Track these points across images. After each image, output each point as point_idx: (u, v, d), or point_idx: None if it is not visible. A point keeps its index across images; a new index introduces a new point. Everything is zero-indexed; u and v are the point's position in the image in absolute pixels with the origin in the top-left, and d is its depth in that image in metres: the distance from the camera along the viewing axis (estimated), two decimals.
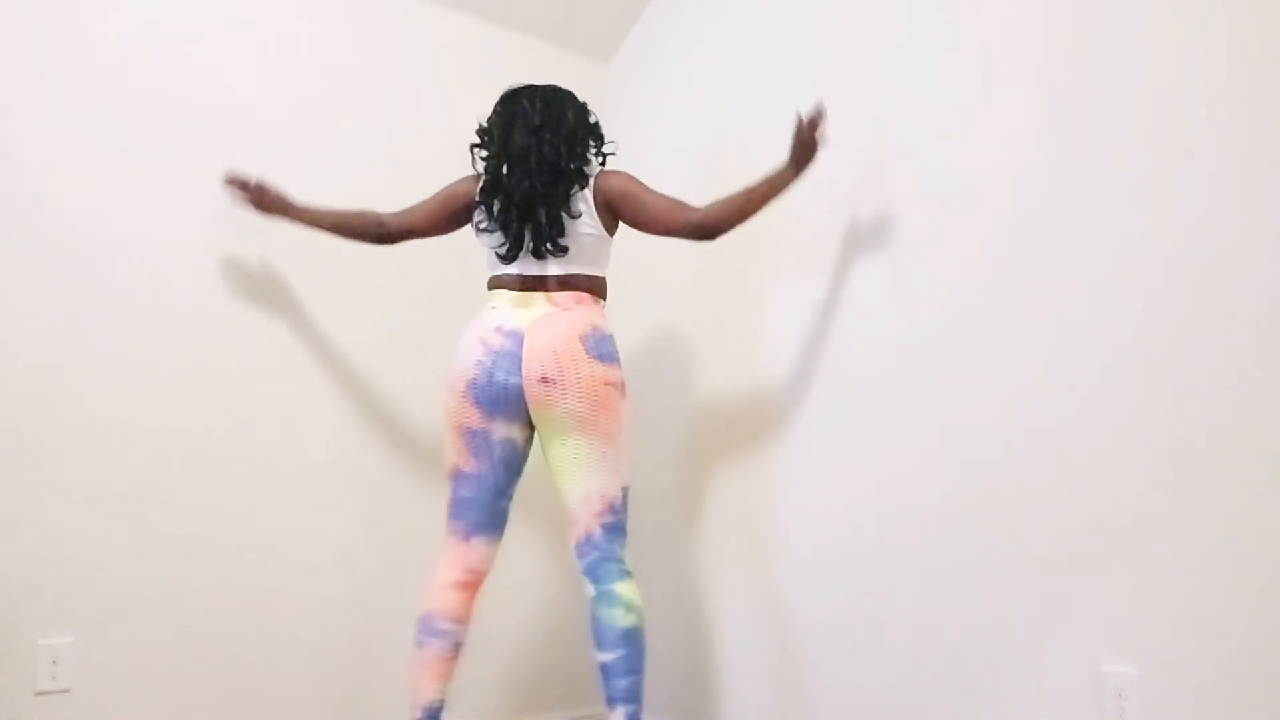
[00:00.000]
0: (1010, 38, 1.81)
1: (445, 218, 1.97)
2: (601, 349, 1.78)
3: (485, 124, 1.96)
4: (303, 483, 2.19)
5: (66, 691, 1.84)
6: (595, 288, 1.88)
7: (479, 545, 1.81)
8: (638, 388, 2.66)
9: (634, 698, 1.69)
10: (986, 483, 1.77)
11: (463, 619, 1.78)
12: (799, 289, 2.19)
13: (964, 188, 1.86)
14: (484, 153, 1.94)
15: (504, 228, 1.84)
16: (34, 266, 1.89)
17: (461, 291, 2.27)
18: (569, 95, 1.95)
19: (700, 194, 2.50)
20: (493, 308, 1.84)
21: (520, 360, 1.75)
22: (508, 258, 1.84)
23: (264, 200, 2.01)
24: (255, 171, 2.08)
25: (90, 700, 1.86)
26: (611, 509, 1.78)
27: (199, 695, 2.00)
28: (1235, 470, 1.46)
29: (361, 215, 2.00)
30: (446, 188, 1.98)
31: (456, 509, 1.82)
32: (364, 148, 2.37)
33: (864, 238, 2.05)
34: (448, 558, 1.81)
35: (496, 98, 1.98)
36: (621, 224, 1.91)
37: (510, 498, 1.86)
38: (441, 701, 1.75)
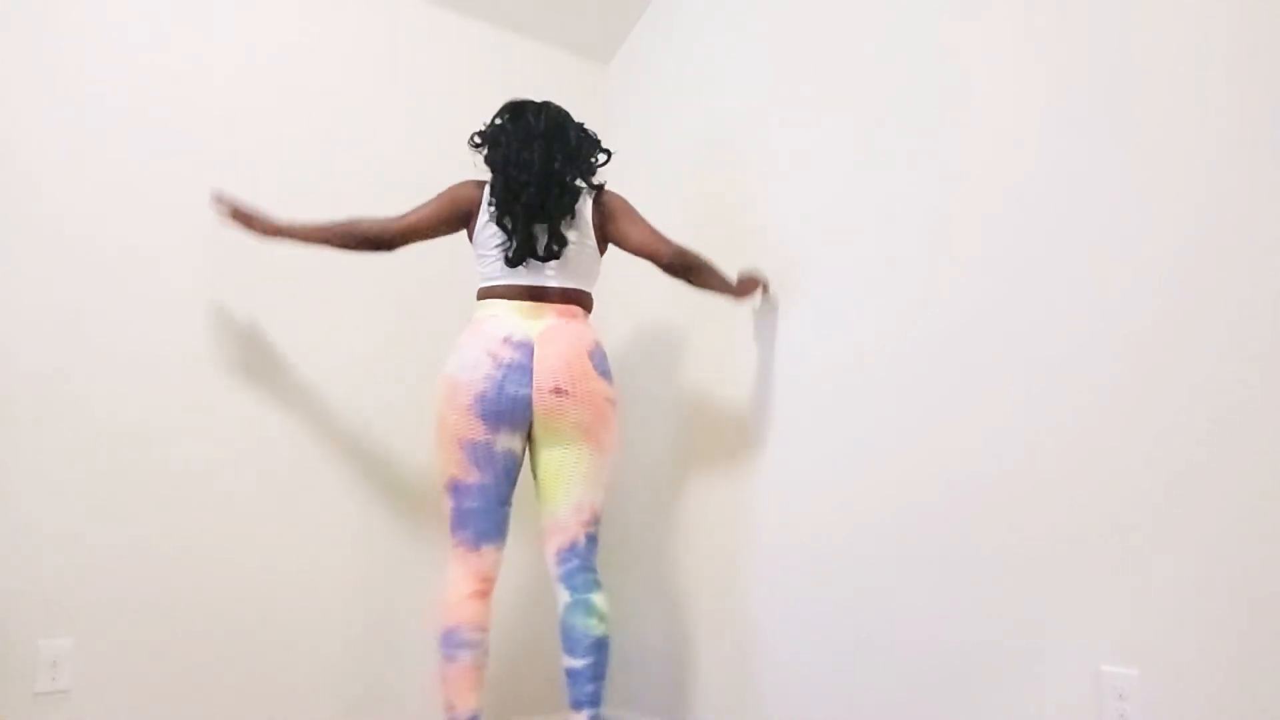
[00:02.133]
0: (1010, 40, 1.81)
1: (446, 220, 1.95)
2: (603, 366, 1.85)
3: (489, 131, 1.95)
4: (302, 486, 2.19)
5: (65, 693, 1.84)
6: (587, 303, 1.94)
7: (489, 553, 1.82)
8: (622, 391, 2.66)
9: (599, 702, 1.80)
10: (986, 485, 1.77)
11: (486, 627, 1.80)
12: (786, 292, 2.19)
13: (960, 190, 1.86)
14: (486, 157, 1.94)
15: (510, 234, 1.85)
16: (34, 270, 1.90)
17: (459, 295, 2.27)
18: (568, 112, 1.98)
19: (700, 194, 2.52)
20: (492, 316, 1.82)
21: (531, 371, 1.77)
22: (514, 261, 1.84)
23: (251, 223, 1.93)
24: (252, 184, 2.09)
25: (89, 701, 1.87)
26: (595, 519, 1.87)
27: (198, 697, 2.00)
28: (1235, 472, 1.45)
29: (356, 224, 1.93)
30: (448, 191, 1.96)
31: (462, 520, 1.81)
32: (363, 148, 2.37)
33: (863, 239, 2.05)
34: (460, 569, 1.80)
35: (497, 100, 1.99)
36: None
37: (511, 504, 1.87)
38: (480, 710, 1.78)
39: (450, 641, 1.75)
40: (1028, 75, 1.77)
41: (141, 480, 1.97)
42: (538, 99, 2.02)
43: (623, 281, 2.48)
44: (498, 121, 1.95)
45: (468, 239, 1.96)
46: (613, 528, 2.67)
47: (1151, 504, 1.54)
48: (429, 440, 2.28)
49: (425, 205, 1.96)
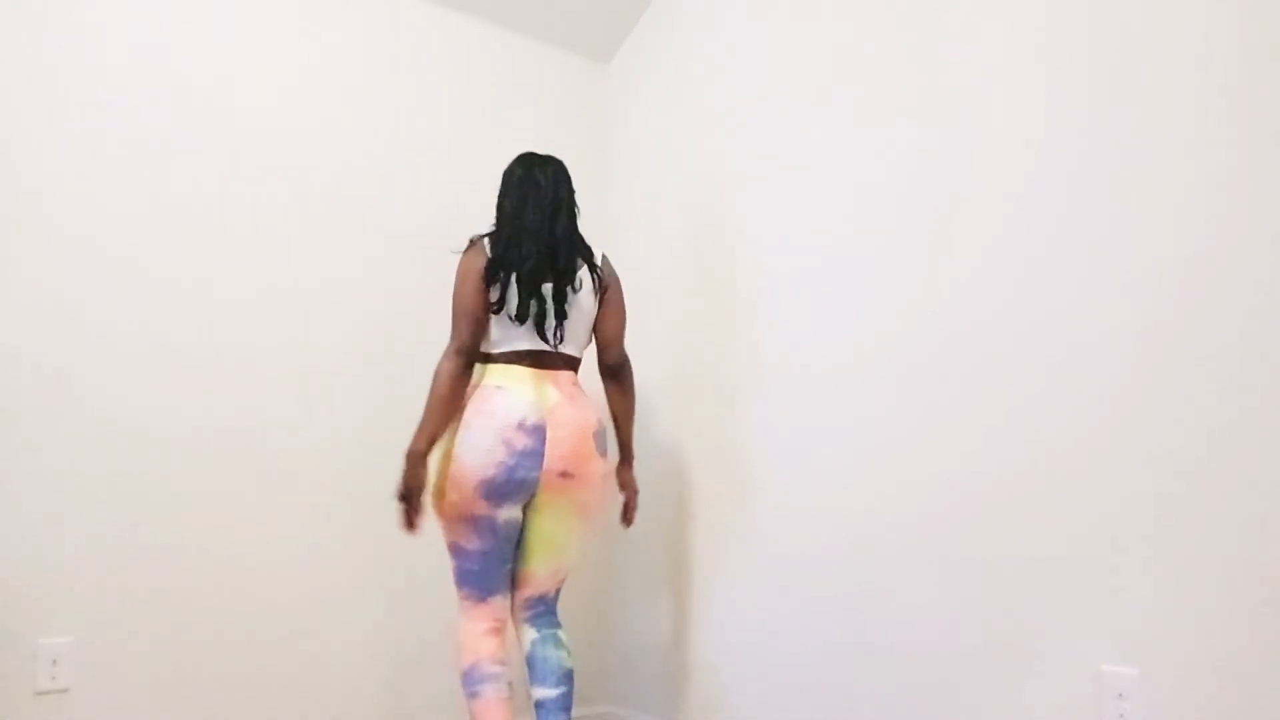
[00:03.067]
0: (1010, 41, 1.80)
1: (481, 309, 1.84)
2: (602, 444, 1.89)
3: (500, 194, 1.92)
4: (303, 484, 2.19)
5: (66, 691, 1.84)
6: (578, 367, 1.93)
7: (497, 600, 1.85)
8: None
9: None
10: (986, 484, 1.77)
11: (504, 660, 1.82)
12: (781, 290, 2.19)
13: (960, 190, 1.86)
14: (494, 223, 1.90)
15: (519, 301, 1.82)
16: (35, 269, 1.90)
17: None
18: (565, 167, 1.96)
19: (699, 193, 2.52)
20: (499, 389, 1.80)
21: (542, 457, 1.78)
22: (520, 330, 1.82)
23: (417, 487, 1.78)
24: (252, 183, 2.07)
25: (90, 700, 1.87)
26: (566, 577, 1.98)
27: (198, 695, 2.00)
28: (1235, 472, 1.45)
29: (458, 379, 1.81)
30: (458, 289, 1.84)
31: (465, 579, 1.83)
32: (362, 148, 2.37)
33: (862, 239, 2.05)
34: (472, 614, 1.83)
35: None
36: None
37: (512, 559, 1.89)
38: None
39: (473, 678, 1.77)
40: (1028, 75, 1.77)
41: (141, 479, 1.98)
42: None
43: (629, 278, 2.47)
44: (504, 180, 1.93)
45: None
46: (611, 526, 2.67)
47: (1152, 504, 1.54)
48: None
49: (457, 319, 1.84)
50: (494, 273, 1.82)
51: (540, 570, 1.90)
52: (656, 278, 2.60)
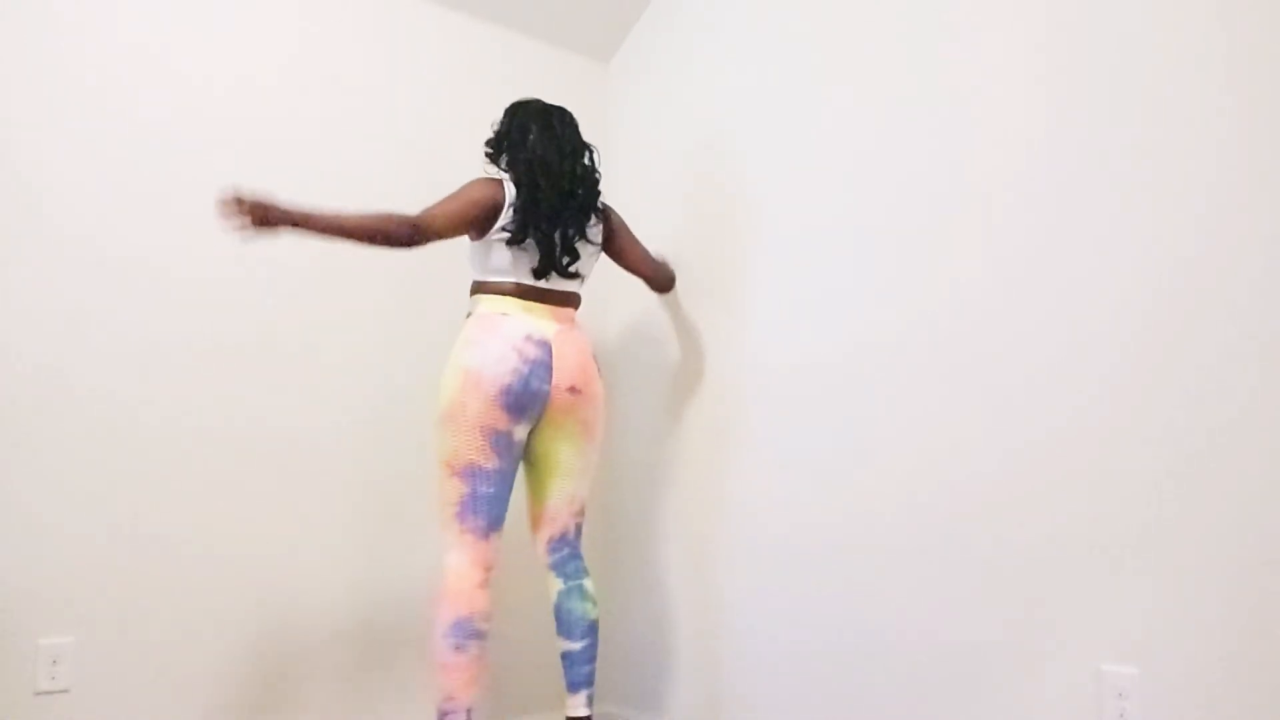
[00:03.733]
0: (1009, 42, 1.81)
1: (471, 223, 1.90)
2: (598, 369, 1.99)
3: (507, 131, 1.99)
4: (303, 483, 2.19)
5: (66, 691, 1.84)
6: (578, 304, 2.05)
7: (494, 540, 1.84)
8: (612, 384, 2.66)
9: (593, 681, 1.93)
10: (985, 483, 1.77)
11: (492, 617, 1.81)
12: (781, 287, 2.19)
13: (960, 189, 1.86)
14: (508, 159, 1.96)
15: (537, 239, 1.90)
16: (35, 267, 1.90)
17: (454, 291, 2.26)
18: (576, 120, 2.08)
19: (699, 193, 2.52)
20: (503, 314, 1.87)
21: (551, 369, 1.86)
22: (540, 271, 1.91)
23: (268, 216, 1.66)
24: (252, 182, 2.07)
25: (90, 700, 1.87)
26: (583, 509, 2.02)
27: (198, 695, 2.00)
28: (1235, 471, 1.45)
29: (389, 218, 1.80)
30: (468, 193, 1.90)
31: (477, 505, 1.81)
32: (362, 148, 2.37)
33: (861, 237, 2.05)
34: (468, 556, 1.79)
35: (497, 99, 2.01)
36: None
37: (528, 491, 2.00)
38: (476, 703, 1.79)
39: (462, 631, 1.74)
40: (1028, 74, 1.77)
41: (141, 478, 1.97)
42: (545, 100, 2.05)
43: (616, 274, 2.47)
44: (520, 123, 1.98)
45: (481, 237, 1.94)
46: (602, 523, 2.67)
47: (1152, 503, 1.54)
48: (427, 445, 2.29)
49: (448, 206, 1.88)
50: (515, 208, 1.88)
51: (558, 500, 1.94)
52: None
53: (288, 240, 2.20)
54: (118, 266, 1.99)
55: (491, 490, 1.82)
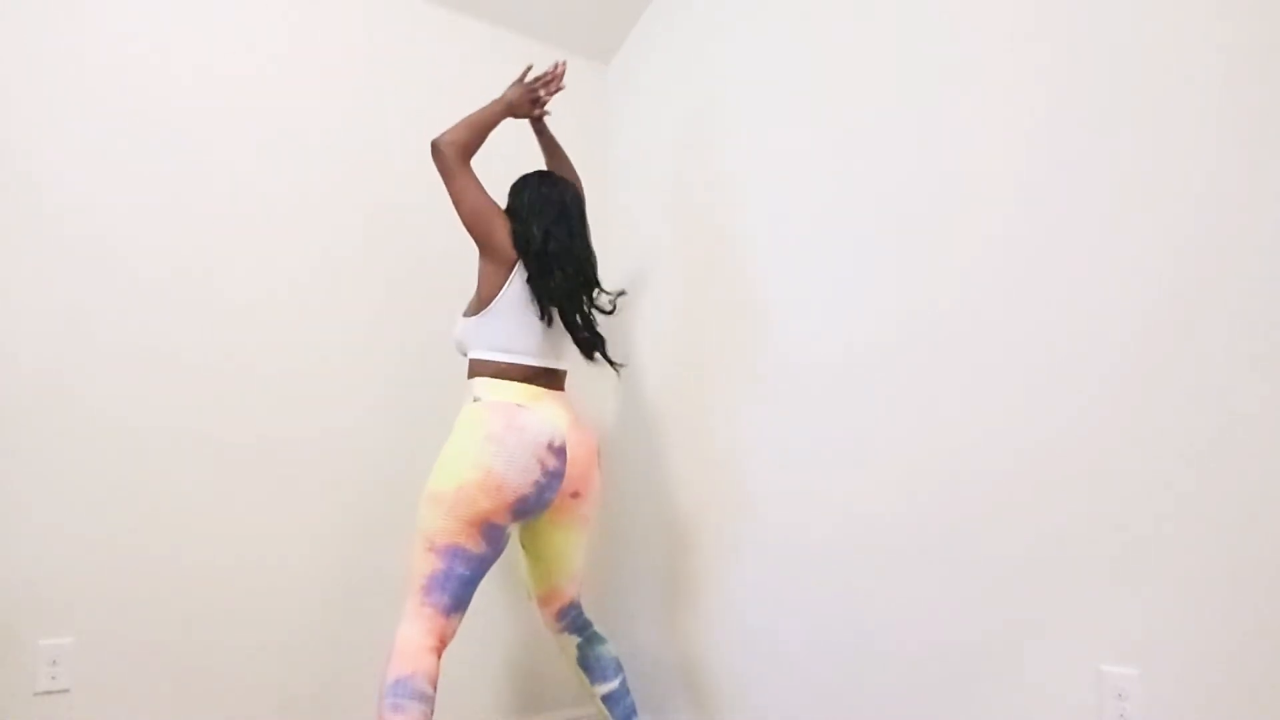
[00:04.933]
0: (1008, 42, 1.80)
1: (480, 210, 1.90)
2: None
3: (524, 200, 1.96)
4: (303, 484, 2.19)
5: (66, 692, 1.84)
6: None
7: (456, 620, 1.75)
8: (619, 387, 2.66)
9: (637, 709, 2.02)
10: (986, 483, 1.77)
11: (436, 684, 1.66)
12: (781, 287, 2.19)
13: (960, 188, 1.86)
14: (517, 229, 1.92)
15: (551, 316, 1.90)
16: (34, 267, 1.90)
17: (450, 304, 2.26)
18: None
19: (699, 193, 2.52)
20: (520, 405, 1.82)
21: (562, 478, 1.85)
22: (534, 341, 1.89)
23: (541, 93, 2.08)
24: (242, 189, 2.11)
25: (90, 700, 1.87)
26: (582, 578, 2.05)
27: (198, 695, 2.00)
28: (1235, 471, 1.45)
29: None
30: (496, 209, 1.92)
31: (446, 585, 1.72)
32: (362, 148, 2.37)
33: (862, 236, 2.05)
34: (424, 628, 1.69)
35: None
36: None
37: (532, 576, 2.03)
38: None
39: (403, 690, 1.59)
40: (1028, 72, 1.77)
41: (141, 479, 1.98)
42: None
43: (630, 282, 2.48)
44: (532, 192, 1.97)
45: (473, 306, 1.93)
46: (603, 524, 2.67)
47: (1152, 503, 1.54)
48: (432, 444, 2.28)
49: (478, 193, 1.92)
50: (527, 286, 1.89)
51: (563, 581, 1.99)
52: (657, 279, 2.60)
53: (289, 246, 2.20)
54: (118, 268, 1.99)
55: (467, 573, 1.74)
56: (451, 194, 1.89)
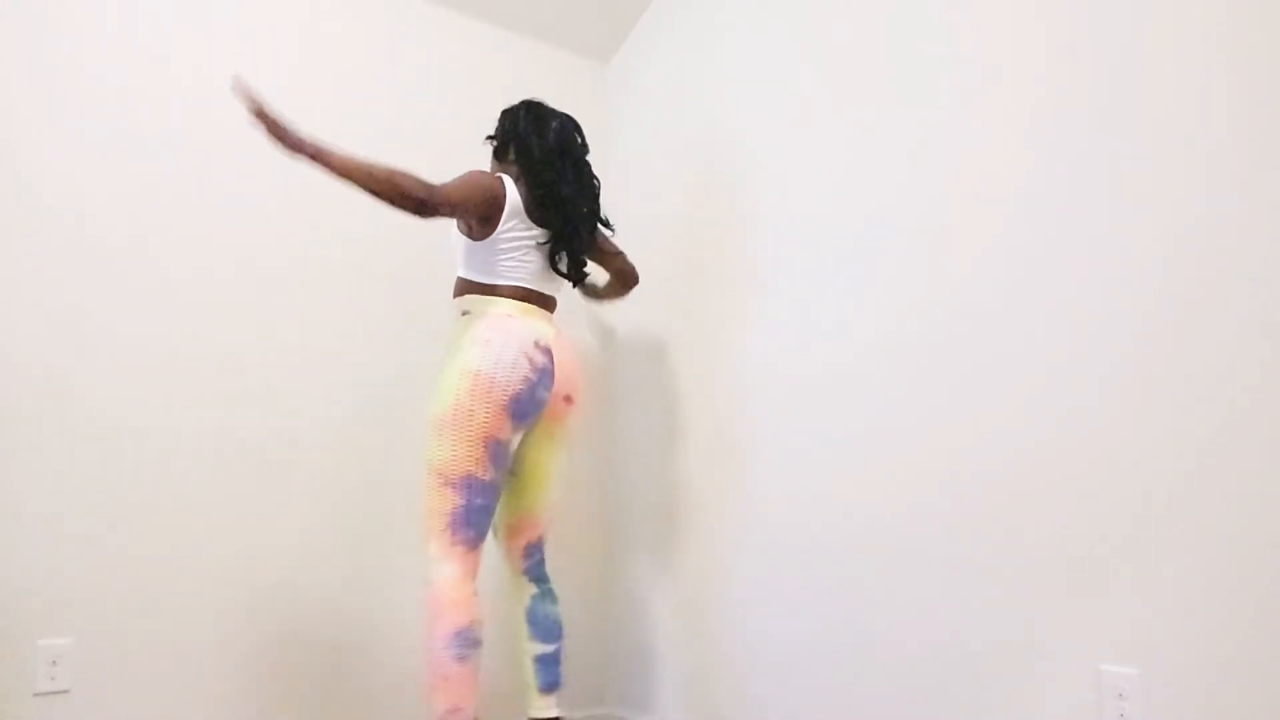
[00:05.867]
0: (1007, 43, 1.80)
1: (476, 207, 1.85)
2: None
3: (517, 126, 1.98)
4: (303, 484, 2.19)
5: (66, 692, 1.84)
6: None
7: (479, 554, 1.81)
8: (619, 383, 2.66)
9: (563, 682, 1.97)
10: (986, 483, 1.77)
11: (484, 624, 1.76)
12: (781, 287, 2.19)
13: (960, 187, 1.86)
14: (515, 160, 1.96)
15: (551, 243, 1.93)
16: (34, 267, 1.90)
17: (447, 292, 2.26)
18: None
19: (699, 193, 2.52)
20: (509, 315, 1.85)
21: (553, 377, 1.85)
22: (543, 274, 1.93)
23: (282, 135, 1.65)
24: (242, 189, 2.11)
25: (89, 701, 1.87)
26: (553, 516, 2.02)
27: (198, 696, 2.00)
28: (1235, 471, 1.45)
29: (406, 175, 1.72)
30: (475, 178, 1.85)
31: (471, 517, 1.76)
32: (362, 148, 2.36)
33: (862, 236, 2.05)
34: (462, 567, 1.74)
35: (497, 99, 2.02)
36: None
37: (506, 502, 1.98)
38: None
39: (464, 640, 1.70)
40: (1028, 73, 1.77)
41: (141, 479, 1.97)
42: (550, 103, 2.07)
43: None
44: (534, 120, 1.99)
45: (466, 229, 1.92)
46: (604, 523, 2.67)
47: (1152, 504, 1.54)
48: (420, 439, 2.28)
49: (460, 188, 1.81)
50: (524, 219, 1.89)
51: (539, 507, 1.95)
52: (657, 277, 2.60)
53: (288, 247, 2.20)
54: (118, 268, 1.99)
55: (486, 502, 1.78)
56: (453, 200, 1.79)
